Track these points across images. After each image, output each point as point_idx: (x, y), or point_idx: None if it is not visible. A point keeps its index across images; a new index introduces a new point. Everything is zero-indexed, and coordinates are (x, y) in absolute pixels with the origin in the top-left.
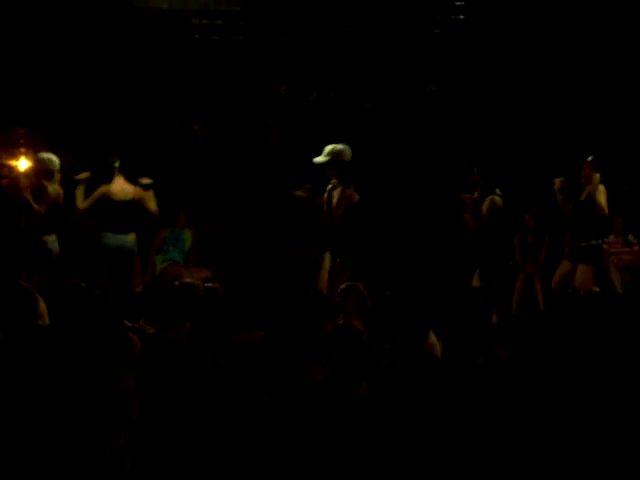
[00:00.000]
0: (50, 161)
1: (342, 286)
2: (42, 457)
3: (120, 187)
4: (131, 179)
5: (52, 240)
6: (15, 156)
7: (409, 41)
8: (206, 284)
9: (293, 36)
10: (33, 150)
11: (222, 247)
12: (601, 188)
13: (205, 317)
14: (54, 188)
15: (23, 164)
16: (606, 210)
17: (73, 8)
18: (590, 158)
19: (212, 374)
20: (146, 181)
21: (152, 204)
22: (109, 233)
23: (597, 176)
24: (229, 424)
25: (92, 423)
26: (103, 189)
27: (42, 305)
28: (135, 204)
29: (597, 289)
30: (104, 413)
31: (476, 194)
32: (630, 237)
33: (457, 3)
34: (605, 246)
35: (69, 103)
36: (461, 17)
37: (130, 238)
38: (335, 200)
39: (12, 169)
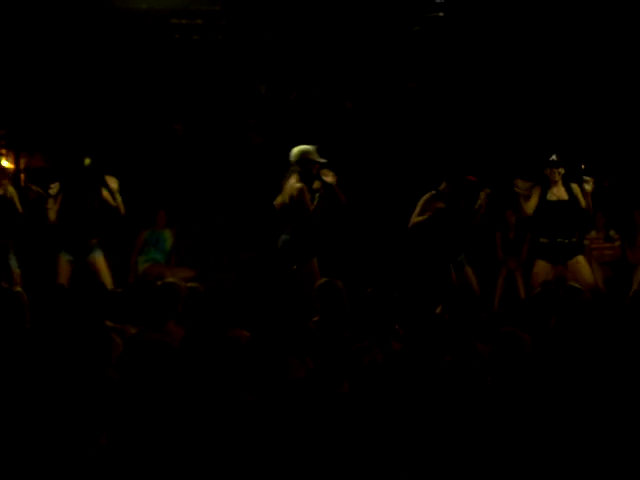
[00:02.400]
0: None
1: (319, 282)
2: (23, 456)
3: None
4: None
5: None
6: None
7: (389, 39)
8: (187, 284)
9: (273, 35)
10: (14, 152)
11: (203, 247)
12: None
13: (190, 316)
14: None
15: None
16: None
17: (52, 8)
18: (552, 157)
19: (196, 374)
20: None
21: (114, 202)
22: None
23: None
24: (212, 424)
25: (75, 423)
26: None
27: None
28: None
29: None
30: (87, 412)
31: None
32: (611, 233)
33: (437, 0)
34: (587, 242)
35: (49, 104)
36: (441, 14)
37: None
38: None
39: None
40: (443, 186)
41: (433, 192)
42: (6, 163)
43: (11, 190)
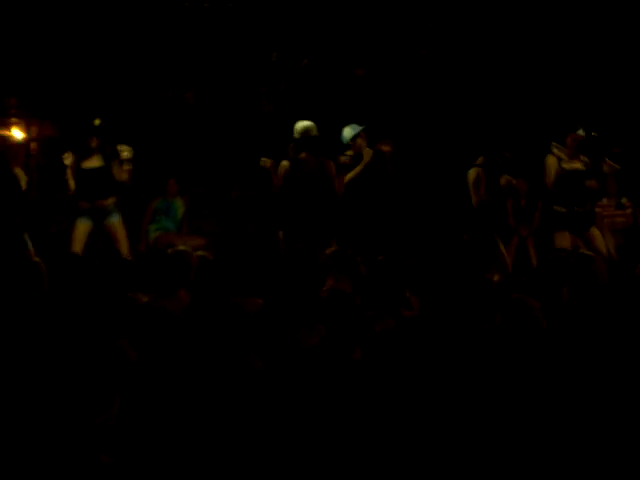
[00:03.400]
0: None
1: (329, 250)
2: (34, 425)
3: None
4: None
5: None
6: (6, 126)
7: (400, 5)
8: (198, 252)
9: (284, 2)
10: (25, 121)
11: (215, 215)
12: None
13: (201, 284)
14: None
15: (16, 134)
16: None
17: None
18: (579, 131)
19: (203, 342)
20: (124, 151)
21: (116, 169)
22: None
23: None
24: (223, 393)
25: (86, 391)
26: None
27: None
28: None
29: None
30: (99, 382)
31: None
32: (623, 200)
33: None
34: (598, 209)
35: (60, 72)
36: None
37: (108, 202)
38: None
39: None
40: (481, 160)
41: (479, 168)
42: (18, 132)
43: (19, 172)
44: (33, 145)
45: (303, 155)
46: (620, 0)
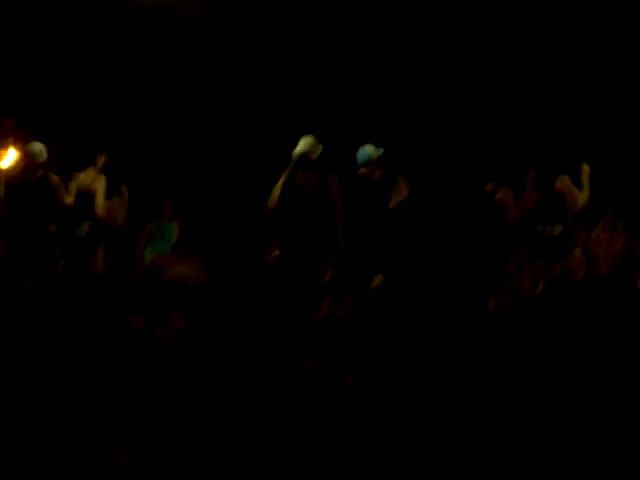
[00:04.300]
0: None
1: (327, 277)
2: (28, 447)
3: (89, 176)
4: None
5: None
6: (3, 148)
7: (396, 30)
8: (193, 275)
9: (281, 26)
10: (22, 141)
11: (210, 238)
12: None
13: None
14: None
15: (11, 156)
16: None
17: (60, 3)
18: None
19: (196, 364)
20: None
21: (99, 199)
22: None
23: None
24: (217, 412)
25: (81, 414)
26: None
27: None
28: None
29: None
30: (94, 405)
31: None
32: (618, 225)
33: None
34: (593, 235)
35: (56, 95)
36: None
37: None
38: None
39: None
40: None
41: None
42: (14, 152)
43: (55, 179)
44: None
45: (300, 173)
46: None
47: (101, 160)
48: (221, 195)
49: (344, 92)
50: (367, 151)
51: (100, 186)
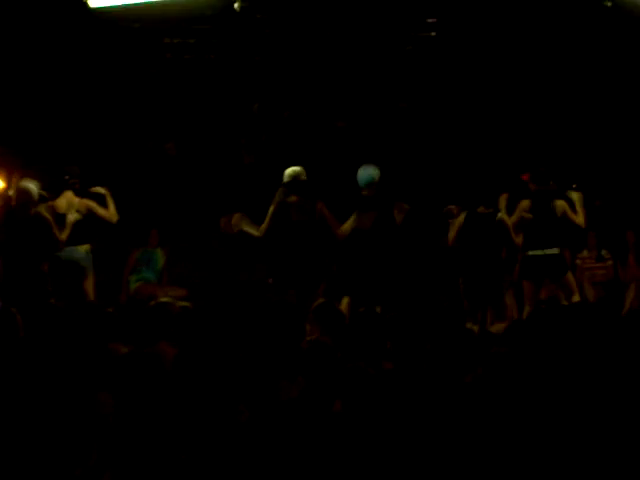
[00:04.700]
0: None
1: (316, 303)
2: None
3: (66, 200)
4: (83, 191)
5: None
6: None
7: (381, 58)
8: (179, 303)
9: (265, 54)
10: (6, 170)
11: (195, 266)
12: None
13: (182, 336)
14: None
15: None
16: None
17: (45, 26)
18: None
19: (189, 393)
20: (98, 190)
21: (102, 210)
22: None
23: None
24: (208, 440)
25: (66, 442)
26: (49, 204)
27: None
28: (85, 216)
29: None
30: (80, 433)
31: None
32: (603, 252)
33: (429, 20)
34: (579, 262)
35: (40, 122)
36: (432, 34)
37: (80, 249)
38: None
39: None
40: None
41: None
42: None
43: (44, 212)
44: (13, 194)
45: (292, 198)
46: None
47: (76, 182)
48: (207, 222)
49: (329, 120)
50: (370, 172)
51: (91, 202)
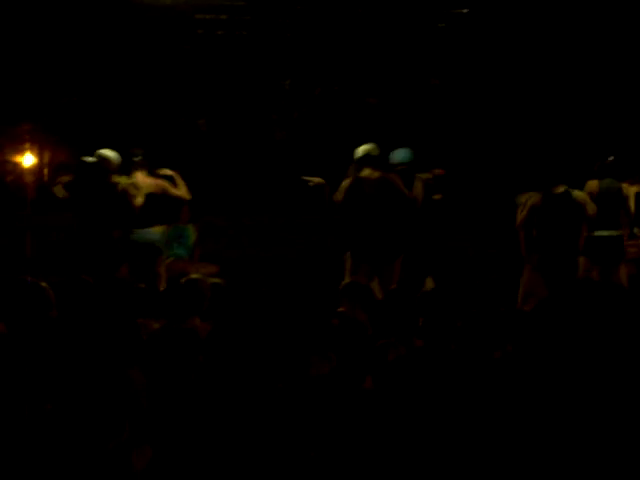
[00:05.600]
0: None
1: (344, 281)
2: (45, 451)
3: (140, 181)
4: (151, 172)
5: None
6: (20, 152)
7: (413, 35)
8: (210, 280)
9: (297, 31)
10: (38, 146)
11: (227, 242)
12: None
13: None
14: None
15: (28, 160)
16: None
17: (77, 3)
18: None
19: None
20: (166, 172)
21: (176, 190)
22: (135, 228)
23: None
24: (238, 415)
25: (99, 417)
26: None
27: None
28: (158, 196)
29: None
30: (112, 408)
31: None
32: (635, 230)
33: None
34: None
35: (74, 99)
36: (464, 11)
37: (156, 231)
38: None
39: (17, 165)
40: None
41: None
42: (31, 158)
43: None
44: (46, 171)
45: (366, 172)
46: None
47: (146, 163)
48: (238, 199)
49: (360, 97)
50: (404, 153)
51: (165, 182)
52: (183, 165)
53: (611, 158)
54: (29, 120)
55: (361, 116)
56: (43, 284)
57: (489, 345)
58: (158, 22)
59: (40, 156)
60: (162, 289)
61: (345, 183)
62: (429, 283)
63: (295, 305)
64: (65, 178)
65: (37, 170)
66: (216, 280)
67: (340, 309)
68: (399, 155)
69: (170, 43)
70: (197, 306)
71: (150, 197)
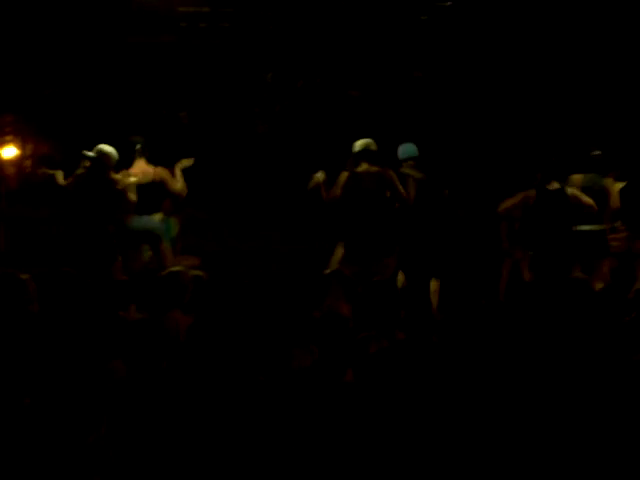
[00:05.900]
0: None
1: (327, 271)
2: (25, 445)
3: (141, 169)
4: (152, 161)
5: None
6: (1, 144)
7: (396, 28)
8: (192, 272)
9: (280, 23)
10: (20, 138)
11: (209, 235)
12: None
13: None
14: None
15: (9, 152)
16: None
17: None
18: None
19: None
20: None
21: (173, 183)
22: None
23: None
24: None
25: (78, 411)
26: (124, 173)
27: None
28: (157, 185)
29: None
30: (92, 401)
31: None
32: (617, 224)
33: None
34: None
35: (57, 90)
36: (448, 3)
37: (155, 219)
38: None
39: None
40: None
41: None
42: (13, 149)
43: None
44: (27, 163)
45: (363, 166)
46: None
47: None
48: (221, 191)
49: (343, 89)
50: (412, 148)
51: (166, 173)
52: (165, 158)
53: (595, 152)
54: (11, 111)
55: (344, 109)
56: (24, 276)
57: (471, 337)
58: (141, 14)
59: (22, 148)
60: (169, 271)
61: (342, 177)
62: (434, 285)
63: (277, 298)
64: (48, 171)
65: (19, 162)
66: (198, 272)
67: (326, 301)
68: (408, 150)
69: (152, 35)
70: (178, 299)
71: (149, 185)
